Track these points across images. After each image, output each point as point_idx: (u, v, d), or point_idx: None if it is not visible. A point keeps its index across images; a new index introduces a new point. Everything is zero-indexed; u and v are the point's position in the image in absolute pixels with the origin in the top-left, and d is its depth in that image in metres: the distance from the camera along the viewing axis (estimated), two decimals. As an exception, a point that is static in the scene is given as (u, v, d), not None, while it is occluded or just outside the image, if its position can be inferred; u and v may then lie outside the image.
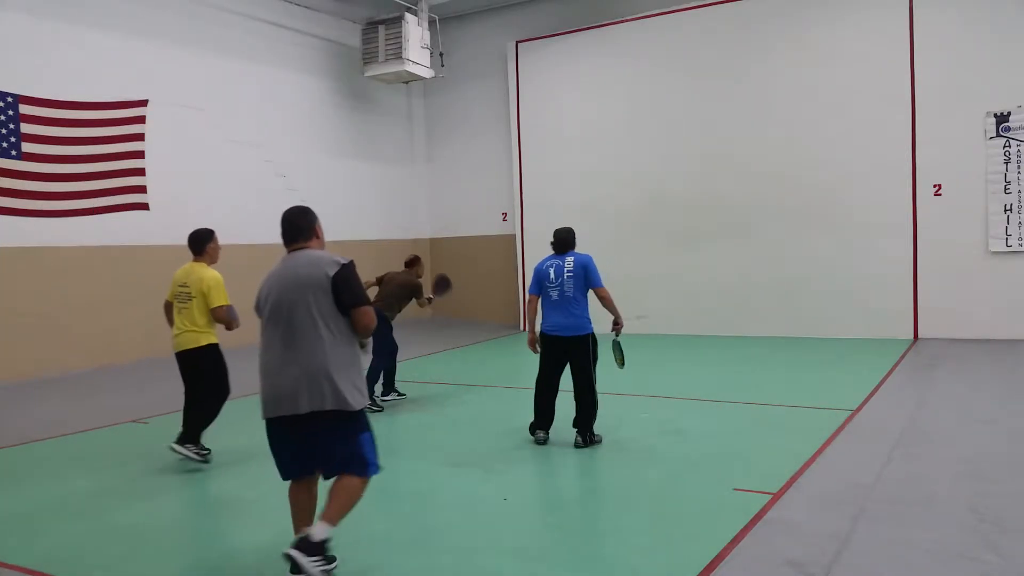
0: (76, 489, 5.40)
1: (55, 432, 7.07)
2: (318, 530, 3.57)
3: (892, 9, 11.41)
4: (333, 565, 3.66)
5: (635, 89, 13.49)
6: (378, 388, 8.08)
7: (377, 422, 7.62)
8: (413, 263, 8.46)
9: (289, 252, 3.82)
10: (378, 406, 7.80)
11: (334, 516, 3.63)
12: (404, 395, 8.32)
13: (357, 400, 3.64)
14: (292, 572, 3.52)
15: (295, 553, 3.49)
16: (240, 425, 6.78)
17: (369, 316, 3.67)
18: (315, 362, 3.57)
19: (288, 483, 3.82)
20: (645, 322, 13.22)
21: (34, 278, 9.93)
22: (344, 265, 3.65)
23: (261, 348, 3.73)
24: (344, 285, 3.62)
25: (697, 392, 8.14)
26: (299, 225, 3.83)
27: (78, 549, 4.31)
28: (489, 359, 11.51)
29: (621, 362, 6.33)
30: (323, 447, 3.68)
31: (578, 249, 6.33)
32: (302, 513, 3.79)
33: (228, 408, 5.90)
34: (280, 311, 3.66)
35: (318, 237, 3.86)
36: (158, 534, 4.52)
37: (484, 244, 15.64)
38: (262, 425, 3.73)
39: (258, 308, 3.78)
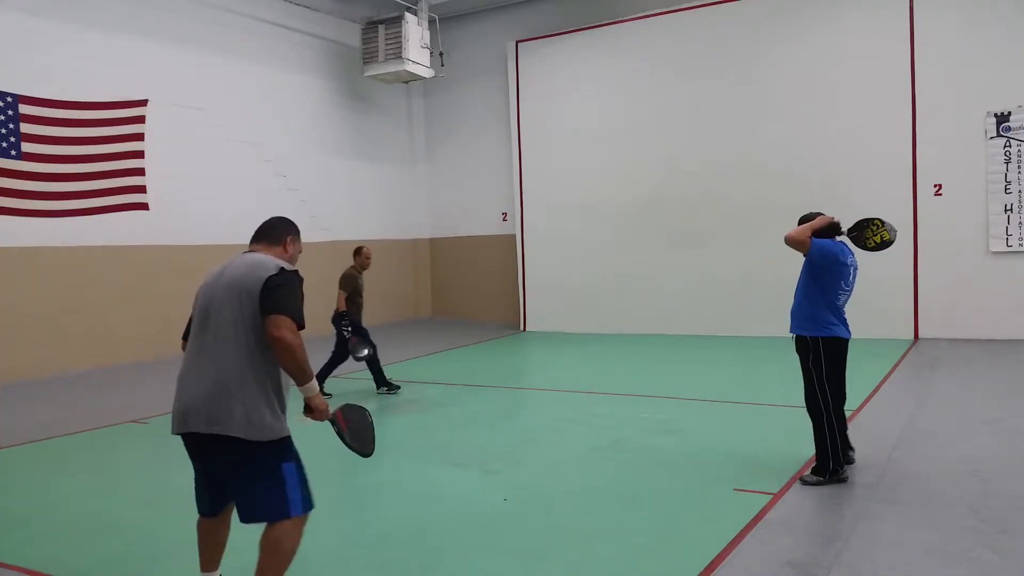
0: (76, 489, 5.40)
1: (55, 432, 7.07)
2: None
3: (892, 9, 11.41)
4: None
5: (635, 89, 13.49)
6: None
7: (377, 422, 7.64)
8: (355, 254, 8.58)
9: (243, 252, 3.34)
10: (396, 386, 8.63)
11: None
12: (399, 387, 8.72)
13: (269, 427, 3.01)
14: None
15: None
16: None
17: (276, 324, 2.96)
18: (224, 375, 3.00)
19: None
20: (646, 322, 13.23)
21: (34, 278, 9.93)
22: (284, 271, 3.10)
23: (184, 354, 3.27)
24: (271, 290, 3.02)
25: (697, 392, 8.14)
26: (270, 227, 3.39)
27: (78, 549, 4.31)
28: (489, 359, 11.50)
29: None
30: (235, 482, 3.08)
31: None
32: (206, 551, 3.34)
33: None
34: (205, 313, 3.14)
35: (285, 251, 3.35)
36: (158, 534, 4.52)
37: (484, 244, 15.64)
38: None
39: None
